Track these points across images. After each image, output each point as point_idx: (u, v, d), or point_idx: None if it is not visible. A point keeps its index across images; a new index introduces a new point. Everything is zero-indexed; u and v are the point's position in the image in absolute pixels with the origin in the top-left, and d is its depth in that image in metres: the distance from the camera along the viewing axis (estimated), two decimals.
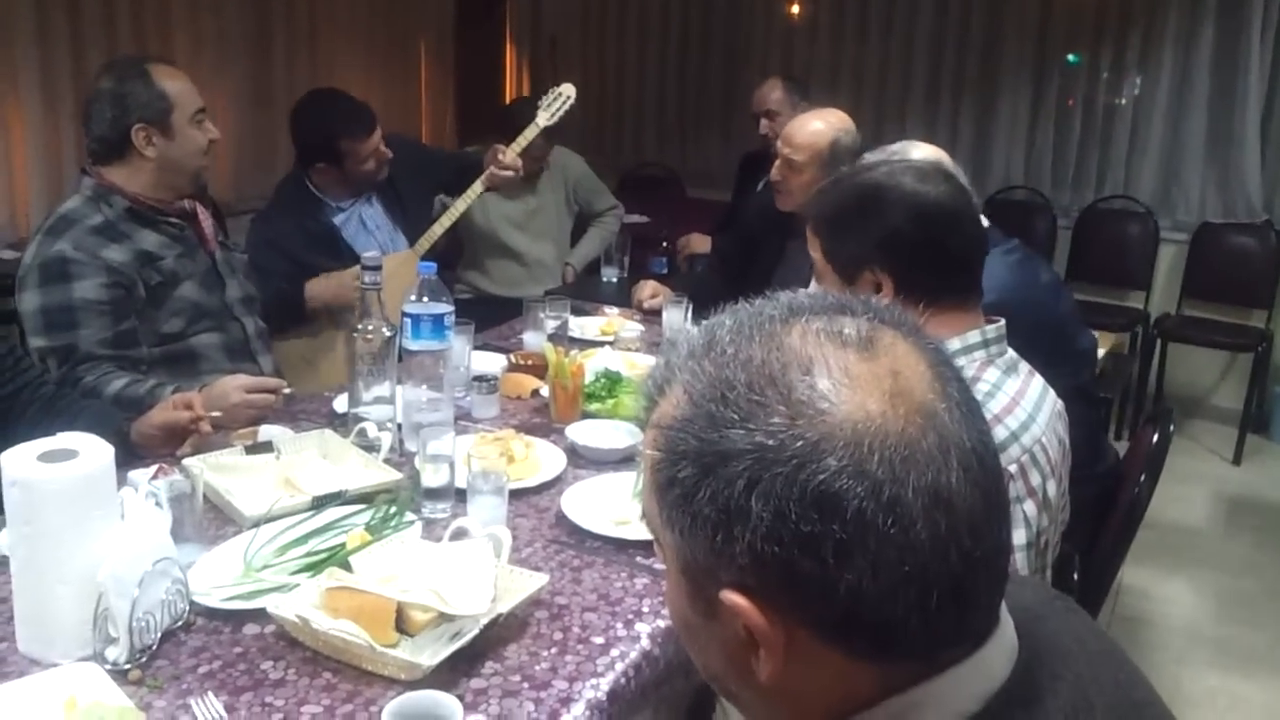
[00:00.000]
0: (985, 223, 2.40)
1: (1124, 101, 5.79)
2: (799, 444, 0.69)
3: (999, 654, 0.77)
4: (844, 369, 0.72)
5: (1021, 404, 1.67)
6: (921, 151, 2.44)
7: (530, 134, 3.57)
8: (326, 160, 3.43)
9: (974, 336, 1.73)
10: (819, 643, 0.73)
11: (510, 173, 3.53)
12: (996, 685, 0.76)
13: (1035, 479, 1.64)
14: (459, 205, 3.57)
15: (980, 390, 1.64)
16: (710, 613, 0.76)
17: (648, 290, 3.58)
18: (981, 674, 0.76)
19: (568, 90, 3.57)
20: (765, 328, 0.76)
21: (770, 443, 0.70)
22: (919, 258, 1.72)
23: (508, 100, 6.84)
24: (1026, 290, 2.43)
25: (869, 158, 2.45)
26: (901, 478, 0.69)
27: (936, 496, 0.69)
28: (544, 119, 3.57)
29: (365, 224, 3.57)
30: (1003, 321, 1.80)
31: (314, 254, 3.40)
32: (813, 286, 1.91)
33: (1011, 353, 1.77)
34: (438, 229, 3.52)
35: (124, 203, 2.56)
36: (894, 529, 0.68)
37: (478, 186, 3.54)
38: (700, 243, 4.43)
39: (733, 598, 0.73)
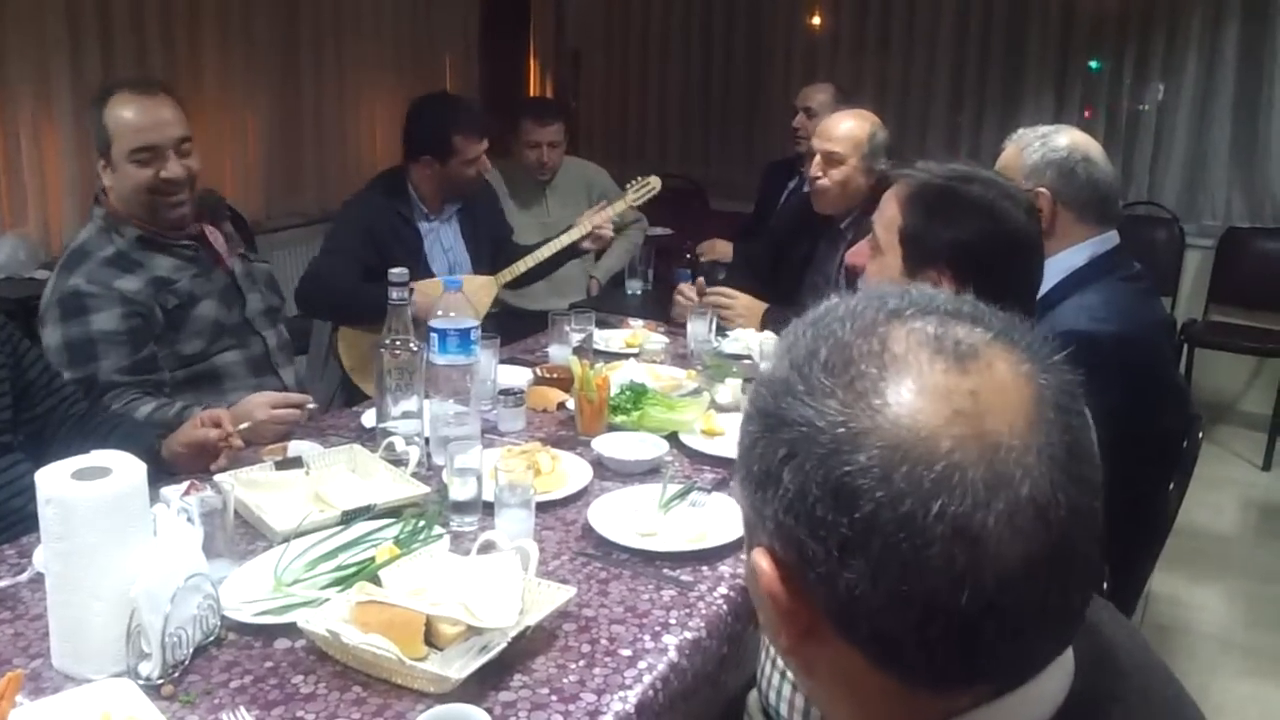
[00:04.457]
0: (1115, 240, 2.39)
1: (1147, 107, 5.78)
2: (840, 431, 0.69)
3: (1056, 678, 0.75)
4: (921, 375, 0.70)
5: None
6: (1069, 136, 2.40)
7: (619, 208, 3.84)
8: (434, 154, 3.59)
9: None
10: (841, 638, 0.72)
11: (608, 235, 3.83)
12: (1053, 709, 0.75)
13: None
14: (544, 250, 3.74)
15: None
16: (753, 568, 0.77)
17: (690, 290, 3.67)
18: (1036, 699, 0.74)
19: (655, 182, 3.87)
20: (869, 315, 0.75)
21: (819, 423, 0.70)
22: (987, 280, 1.73)
23: None
24: (1145, 328, 2.35)
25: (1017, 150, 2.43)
26: (925, 497, 0.66)
27: (961, 531, 0.66)
28: (630, 199, 3.87)
29: (441, 242, 3.74)
30: None
31: (398, 250, 3.51)
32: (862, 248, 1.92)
33: None
34: (521, 266, 3.73)
35: (134, 231, 2.57)
36: (904, 544, 0.66)
37: (564, 240, 3.74)
38: (723, 248, 4.45)
39: (758, 558, 0.75)
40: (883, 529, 0.67)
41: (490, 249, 3.84)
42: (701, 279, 3.56)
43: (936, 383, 0.69)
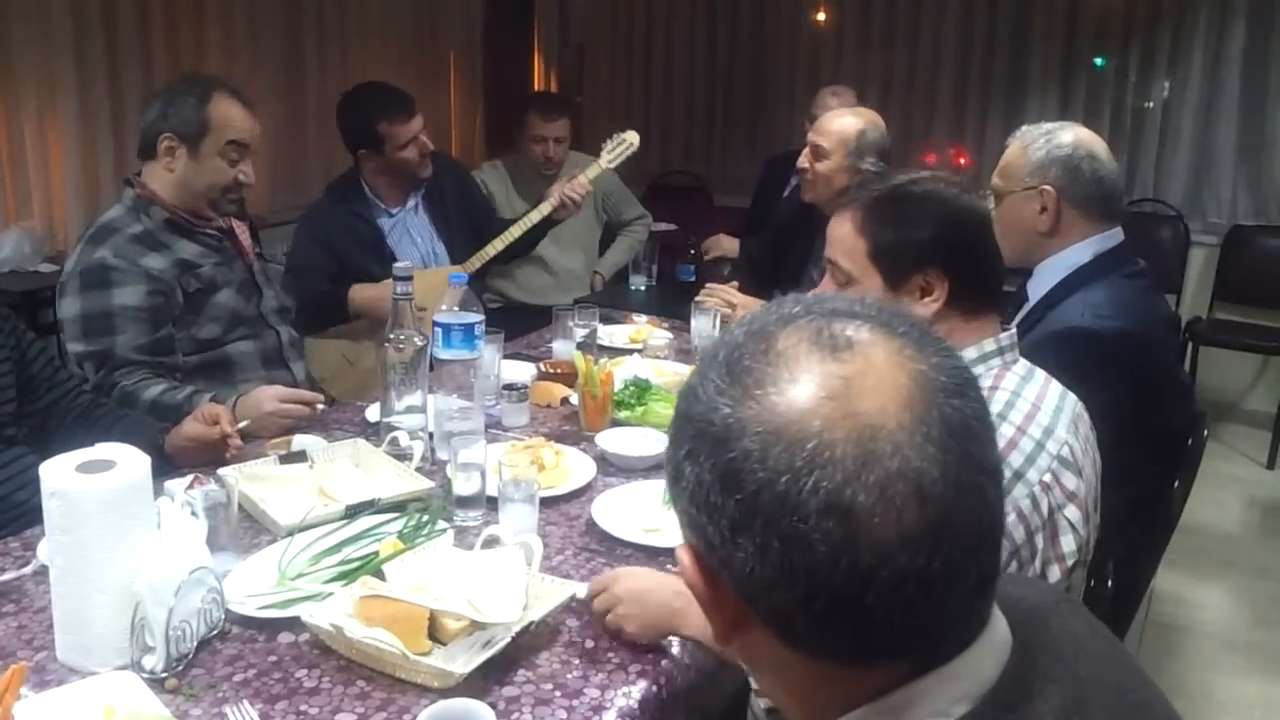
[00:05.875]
0: (1120, 237, 2.38)
1: (1153, 104, 5.76)
2: (729, 422, 0.73)
3: (985, 657, 0.77)
4: (796, 366, 0.74)
5: (1043, 409, 1.66)
6: (1074, 133, 2.39)
7: (593, 172, 3.72)
8: (368, 146, 3.55)
9: (989, 345, 1.72)
10: (757, 622, 0.76)
11: (578, 200, 3.69)
12: (982, 689, 0.76)
13: (1071, 482, 1.62)
14: (514, 230, 3.68)
15: (1000, 399, 1.63)
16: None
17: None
18: (963, 677, 0.76)
19: (631, 138, 3.71)
20: (764, 319, 0.79)
21: (713, 418, 0.74)
22: (972, 263, 1.72)
23: None
24: (1149, 325, 2.34)
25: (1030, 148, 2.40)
26: (798, 474, 0.70)
27: (834, 505, 0.69)
28: (605, 160, 3.71)
29: (410, 233, 3.68)
30: (1014, 329, 1.79)
31: (359, 252, 3.49)
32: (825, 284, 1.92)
33: (1024, 360, 1.76)
34: (490, 250, 3.65)
35: (163, 214, 2.60)
36: (783, 520, 0.70)
37: (534, 216, 3.68)
38: (729, 244, 4.45)
39: (680, 553, 0.81)
40: (763, 507, 0.71)
41: (466, 232, 3.75)
42: (737, 284, 3.56)
43: (811, 370, 0.74)
